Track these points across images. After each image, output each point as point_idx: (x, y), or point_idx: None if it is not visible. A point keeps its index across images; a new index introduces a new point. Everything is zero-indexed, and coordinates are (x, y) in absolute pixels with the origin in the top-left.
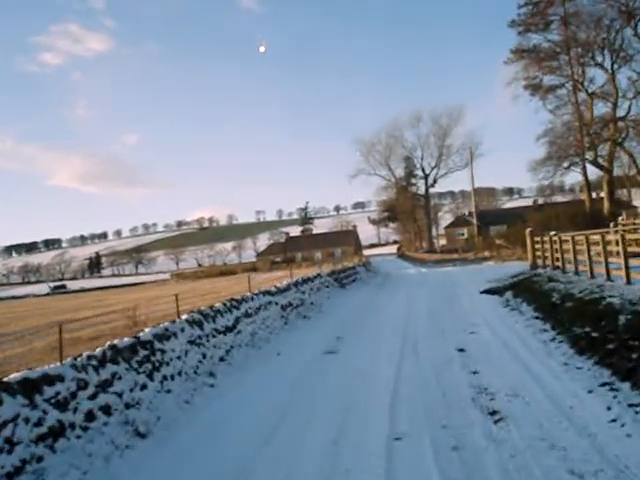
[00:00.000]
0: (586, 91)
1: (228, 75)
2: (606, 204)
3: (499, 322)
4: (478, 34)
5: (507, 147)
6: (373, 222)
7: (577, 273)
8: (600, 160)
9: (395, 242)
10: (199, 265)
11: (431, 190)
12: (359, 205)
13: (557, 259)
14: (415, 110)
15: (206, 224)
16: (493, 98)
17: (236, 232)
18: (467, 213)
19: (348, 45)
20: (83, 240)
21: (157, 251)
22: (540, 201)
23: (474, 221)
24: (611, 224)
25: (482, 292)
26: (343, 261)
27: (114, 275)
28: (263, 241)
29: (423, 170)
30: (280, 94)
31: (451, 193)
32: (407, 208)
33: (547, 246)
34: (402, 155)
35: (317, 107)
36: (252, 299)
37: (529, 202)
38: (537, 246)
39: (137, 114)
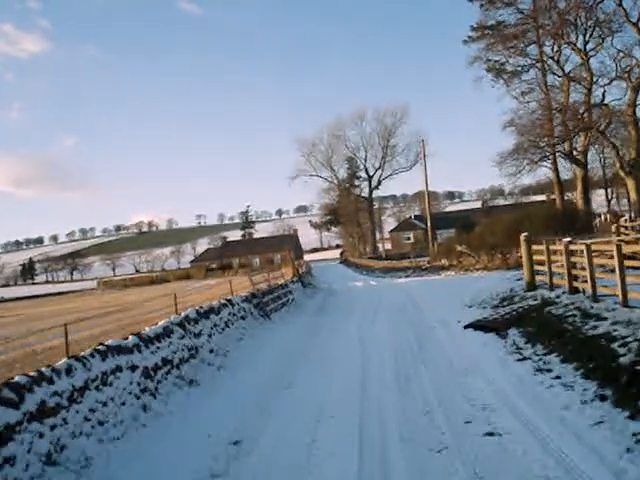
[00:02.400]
0: (562, 70)
1: (166, 77)
2: (580, 204)
3: (532, 405)
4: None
5: (445, 151)
6: (315, 226)
7: (626, 304)
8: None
9: (338, 246)
10: (136, 271)
11: (374, 193)
12: (302, 209)
13: (576, 278)
14: (358, 108)
15: (145, 229)
16: (434, 99)
17: (176, 237)
18: (412, 216)
19: (289, 39)
20: (18, 245)
21: (93, 256)
22: (477, 204)
23: (428, 224)
24: (613, 227)
25: (467, 326)
26: (282, 268)
27: (47, 282)
28: (203, 246)
29: (367, 171)
30: (222, 94)
31: (393, 197)
32: (350, 211)
33: (558, 258)
34: (345, 155)
35: (260, 106)
36: (68, 373)
37: (470, 205)
38: (539, 257)
39: (75, 117)
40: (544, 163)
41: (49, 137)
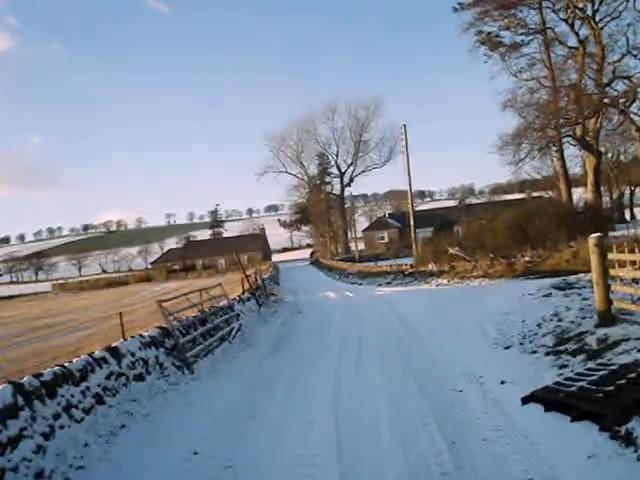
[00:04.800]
0: (577, 36)
1: (135, 76)
2: (590, 199)
3: None
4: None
5: (415, 149)
6: (284, 225)
7: None
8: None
9: (309, 245)
10: (103, 271)
11: (346, 191)
12: (272, 208)
13: None
14: (330, 101)
15: (114, 228)
16: (405, 98)
17: (145, 236)
18: (386, 215)
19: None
20: None
21: (60, 256)
22: (451, 203)
23: (411, 222)
24: None
25: (528, 398)
26: (248, 270)
27: (12, 282)
28: (171, 246)
29: (338, 168)
30: (191, 92)
31: (364, 196)
32: (321, 209)
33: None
34: (316, 151)
35: (232, 104)
36: None
37: (443, 204)
38: (625, 275)
39: (42, 115)
40: (549, 150)
41: (16, 135)
